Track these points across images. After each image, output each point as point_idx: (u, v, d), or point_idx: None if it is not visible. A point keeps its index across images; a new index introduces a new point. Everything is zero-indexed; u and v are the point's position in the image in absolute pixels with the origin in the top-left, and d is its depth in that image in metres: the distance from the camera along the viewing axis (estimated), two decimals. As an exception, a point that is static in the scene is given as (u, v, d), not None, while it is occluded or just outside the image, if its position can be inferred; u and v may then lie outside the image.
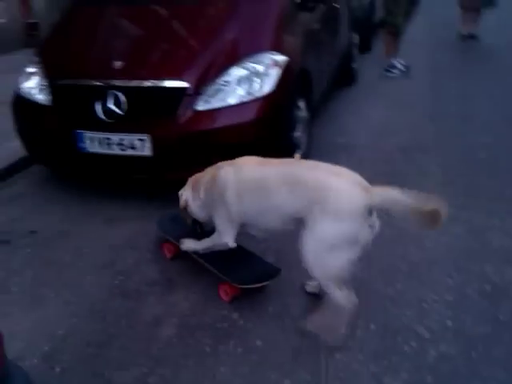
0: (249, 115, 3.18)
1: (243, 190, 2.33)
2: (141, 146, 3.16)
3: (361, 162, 4.10)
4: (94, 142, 3.22)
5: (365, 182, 2.15)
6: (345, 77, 6.17)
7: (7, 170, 4.04)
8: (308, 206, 2.11)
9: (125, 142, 3.17)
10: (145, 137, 3.13)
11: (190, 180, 2.64)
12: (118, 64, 3.31)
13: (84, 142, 3.25)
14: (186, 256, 2.82)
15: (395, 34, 6.80)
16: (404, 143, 4.55)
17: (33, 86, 3.59)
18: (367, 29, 7.56)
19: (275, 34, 3.47)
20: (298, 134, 3.66)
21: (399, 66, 6.88)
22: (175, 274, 2.81)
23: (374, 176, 3.79)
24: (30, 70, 3.70)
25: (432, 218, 2.06)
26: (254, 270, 2.65)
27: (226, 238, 2.46)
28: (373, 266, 2.80)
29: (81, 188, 3.74)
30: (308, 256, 2.15)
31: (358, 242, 2.09)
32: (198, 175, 2.60)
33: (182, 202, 2.62)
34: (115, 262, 2.93)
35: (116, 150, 3.20)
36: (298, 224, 2.21)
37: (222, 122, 3.15)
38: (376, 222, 2.16)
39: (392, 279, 2.71)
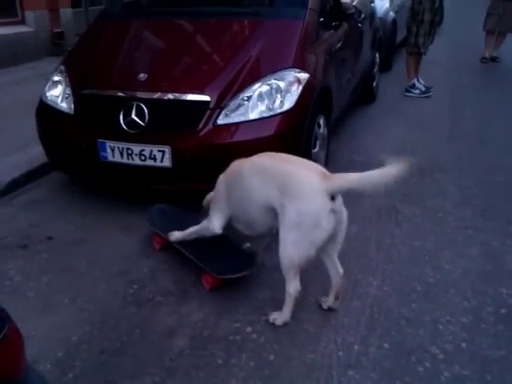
0: (268, 130, 3.21)
1: (229, 183, 2.64)
2: (161, 157, 3.19)
3: (378, 180, 4.10)
4: (115, 152, 3.26)
5: (326, 172, 2.38)
6: (365, 95, 6.19)
7: (28, 175, 4.09)
8: (276, 195, 2.35)
9: (145, 153, 3.21)
10: (165, 148, 3.17)
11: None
12: (141, 76, 3.36)
13: (105, 152, 3.29)
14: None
15: (417, 54, 6.82)
16: (422, 163, 4.53)
17: (57, 94, 3.66)
18: (389, 48, 7.59)
19: (298, 52, 3.49)
20: (317, 150, 3.68)
21: (420, 85, 6.89)
22: (190, 285, 2.81)
23: (391, 195, 3.85)
24: (55, 78, 3.77)
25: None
26: (232, 261, 2.79)
27: (214, 224, 2.70)
28: (387, 285, 2.80)
29: (99, 196, 3.77)
30: (280, 242, 2.36)
31: (321, 225, 2.27)
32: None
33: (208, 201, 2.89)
34: (130, 270, 2.95)
35: (136, 161, 3.24)
36: (273, 218, 2.42)
37: (241, 136, 3.18)
38: (341, 207, 2.36)
39: (407, 299, 2.69)
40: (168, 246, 3.06)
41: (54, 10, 8.25)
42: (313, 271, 2.88)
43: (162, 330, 2.47)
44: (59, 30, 8.32)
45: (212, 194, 2.82)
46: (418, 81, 6.96)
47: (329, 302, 2.61)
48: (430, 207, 3.72)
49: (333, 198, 2.27)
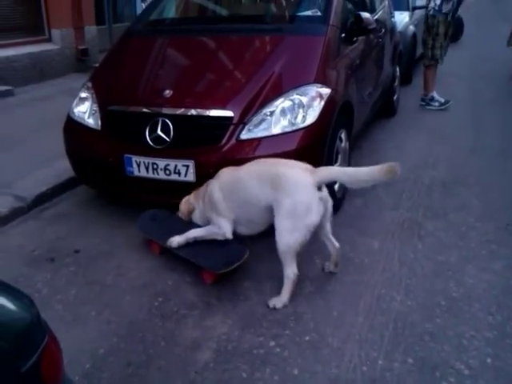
0: (290, 145, 3.23)
1: (225, 191, 2.93)
2: (185, 171, 3.24)
3: (400, 194, 4.11)
4: (141, 167, 3.33)
5: (311, 167, 2.75)
6: (386, 108, 6.20)
7: (55, 189, 4.18)
8: (271, 194, 2.70)
9: (170, 168, 3.26)
10: (189, 163, 3.22)
11: (194, 193, 3.20)
12: (167, 92, 3.43)
13: (132, 166, 3.35)
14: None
15: (434, 66, 6.86)
16: (444, 176, 4.53)
17: (84, 110, 3.74)
18: (409, 62, 7.59)
19: (320, 67, 3.52)
20: (338, 164, 3.70)
21: (439, 98, 6.89)
22: (214, 298, 2.85)
23: (414, 209, 3.85)
24: (83, 95, 3.85)
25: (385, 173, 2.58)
26: (223, 256, 2.98)
27: (224, 229, 2.98)
28: (411, 299, 2.80)
29: (125, 209, 3.83)
30: (277, 231, 2.69)
31: (313, 211, 2.64)
32: (197, 190, 3.18)
33: (188, 207, 3.20)
34: (155, 283, 2.99)
35: (161, 175, 3.29)
36: (271, 216, 2.74)
37: (264, 150, 3.21)
38: (327, 196, 2.75)
39: (431, 313, 2.69)
40: (167, 250, 3.17)
41: (80, 27, 8.44)
42: (338, 286, 2.91)
43: (187, 342, 2.51)
44: (84, 47, 8.51)
45: (190, 199, 3.18)
46: (435, 93, 6.97)
47: (330, 267, 3.03)
48: (453, 221, 3.70)
49: (319, 188, 2.68)
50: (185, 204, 3.22)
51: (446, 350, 2.42)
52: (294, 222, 2.63)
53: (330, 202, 2.80)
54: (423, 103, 6.97)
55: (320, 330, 2.55)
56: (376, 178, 2.61)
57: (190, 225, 3.21)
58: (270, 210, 2.74)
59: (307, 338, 2.50)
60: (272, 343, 2.48)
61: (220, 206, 2.95)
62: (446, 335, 2.52)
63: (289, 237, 2.65)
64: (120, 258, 3.26)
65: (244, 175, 2.89)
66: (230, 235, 2.98)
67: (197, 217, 3.20)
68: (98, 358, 2.41)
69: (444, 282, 2.97)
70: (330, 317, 2.66)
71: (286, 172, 2.72)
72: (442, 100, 6.87)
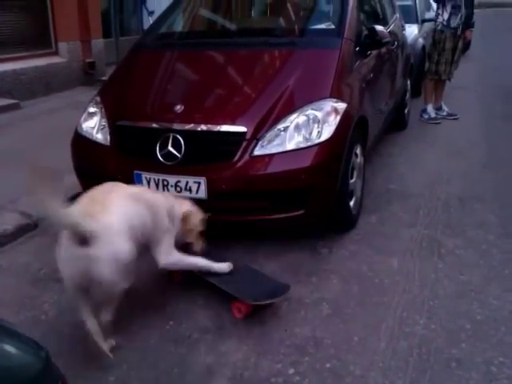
0: (305, 161, 3.13)
1: None
2: (196, 188, 3.14)
3: (417, 211, 3.99)
4: (151, 183, 3.22)
5: None
6: (397, 122, 6.10)
7: (61, 206, 4.07)
8: None
9: (181, 184, 3.16)
10: (201, 180, 3.12)
11: None
12: (178, 108, 3.33)
13: (141, 183, 3.24)
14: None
15: (437, 81, 6.86)
16: (460, 192, 4.41)
17: (92, 125, 3.64)
18: (418, 74, 7.53)
19: (335, 81, 3.42)
20: (354, 180, 3.59)
21: (430, 111, 6.93)
22: (227, 321, 2.72)
23: (431, 226, 3.72)
24: (91, 109, 3.76)
25: None
26: (264, 288, 2.80)
27: None
28: (435, 323, 2.68)
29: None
30: None
31: None
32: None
33: None
34: (166, 305, 2.87)
35: (172, 192, 3.19)
36: None
37: (278, 167, 3.11)
38: None
39: (456, 338, 2.56)
40: (187, 275, 3.00)
41: (86, 40, 8.40)
42: (358, 308, 2.79)
43: (201, 369, 2.39)
44: (91, 60, 8.46)
45: None
46: (441, 107, 7.03)
47: None
48: (473, 239, 3.58)
49: None
50: None
51: (474, 378, 2.30)
52: None
53: None
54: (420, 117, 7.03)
55: (341, 356, 2.43)
56: None
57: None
58: None
59: (328, 366, 2.38)
60: (291, 371, 2.36)
61: None
62: (473, 362, 2.40)
63: None
64: (129, 278, 3.14)
65: None
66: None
67: None
68: (108, 386, 2.29)
69: (467, 303, 2.85)
70: (350, 342, 2.53)
71: None
72: (432, 114, 6.90)
